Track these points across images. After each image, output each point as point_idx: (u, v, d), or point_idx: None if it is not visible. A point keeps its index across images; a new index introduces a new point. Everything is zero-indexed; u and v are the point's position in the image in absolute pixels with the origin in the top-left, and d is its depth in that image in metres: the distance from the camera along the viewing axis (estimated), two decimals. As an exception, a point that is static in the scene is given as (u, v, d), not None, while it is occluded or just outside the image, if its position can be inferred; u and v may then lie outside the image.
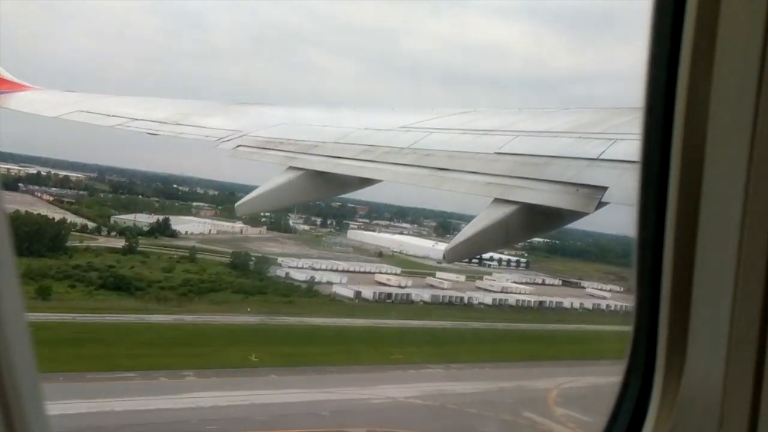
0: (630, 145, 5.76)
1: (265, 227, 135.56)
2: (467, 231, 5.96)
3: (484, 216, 5.92)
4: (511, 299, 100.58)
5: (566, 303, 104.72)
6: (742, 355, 2.22)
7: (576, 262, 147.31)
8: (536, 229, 6.23)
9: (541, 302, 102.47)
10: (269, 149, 8.59)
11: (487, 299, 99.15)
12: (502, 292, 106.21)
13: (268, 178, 8.02)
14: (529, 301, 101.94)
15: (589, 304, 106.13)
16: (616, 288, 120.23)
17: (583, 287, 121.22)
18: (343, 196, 9.02)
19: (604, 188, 5.31)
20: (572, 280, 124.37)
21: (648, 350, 2.57)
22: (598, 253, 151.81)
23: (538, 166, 6.16)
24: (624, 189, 5.19)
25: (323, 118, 9.89)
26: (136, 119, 10.49)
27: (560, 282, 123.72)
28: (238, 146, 8.86)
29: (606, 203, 5.26)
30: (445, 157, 7.07)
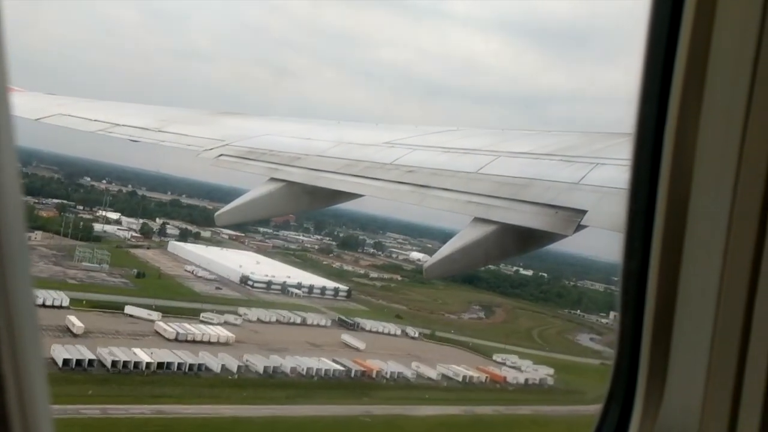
0: (611, 170, 5.81)
1: (41, 232, 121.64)
2: (447, 248, 5.96)
3: (464, 234, 5.94)
4: (119, 358, 73.58)
5: (215, 364, 78.80)
6: (720, 385, 2.24)
7: (459, 290, 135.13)
8: (515, 249, 6.25)
9: (165, 365, 74.39)
10: (251, 159, 8.55)
11: (62, 357, 70.05)
12: (173, 340, 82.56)
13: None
14: (142, 364, 73.18)
15: (265, 365, 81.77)
16: (411, 333, 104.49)
17: (361, 329, 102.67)
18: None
19: (584, 211, 5.34)
20: (358, 320, 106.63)
21: (629, 378, 2.58)
22: (493, 281, 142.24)
23: (519, 186, 6.18)
24: (603, 213, 5.23)
25: (306, 131, 9.88)
26: (118, 125, 10.42)
27: (330, 322, 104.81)
28: (221, 155, 8.82)
29: (585, 226, 5.29)
30: (428, 175, 7.09)
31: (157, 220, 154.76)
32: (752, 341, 2.15)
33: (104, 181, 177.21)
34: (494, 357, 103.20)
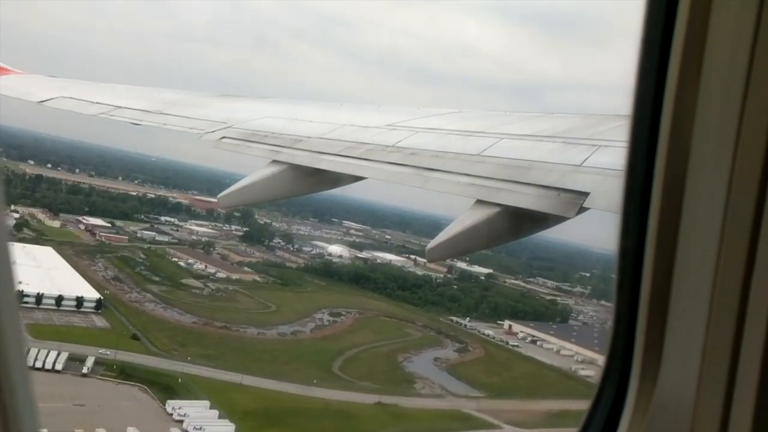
0: (614, 152, 5.80)
1: None
2: (449, 231, 5.97)
3: (467, 216, 5.94)
4: None
5: None
6: (716, 364, 2.26)
7: (331, 292, 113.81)
8: (518, 231, 6.26)
9: None
10: (253, 142, 8.55)
11: None
12: None
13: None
14: None
15: None
16: (85, 367, 77.35)
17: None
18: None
19: (586, 194, 5.35)
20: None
21: (625, 355, 2.60)
22: (383, 281, 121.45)
23: (521, 169, 6.18)
24: (606, 195, 5.23)
25: (309, 113, 9.87)
26: (120, 107, 10.40)
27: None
28: (223, 138, 8.82)
29: (587, 209, 5.30)
30: (430, 157, 7.08)
31: (13, 206, 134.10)
32: (748, 320, 2.16)
33: (47, 165, 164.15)
34: (167, 405, 76.65)
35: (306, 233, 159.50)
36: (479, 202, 6.01)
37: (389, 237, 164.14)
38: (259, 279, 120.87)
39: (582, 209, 5.32)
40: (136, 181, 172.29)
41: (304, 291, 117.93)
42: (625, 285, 2.53)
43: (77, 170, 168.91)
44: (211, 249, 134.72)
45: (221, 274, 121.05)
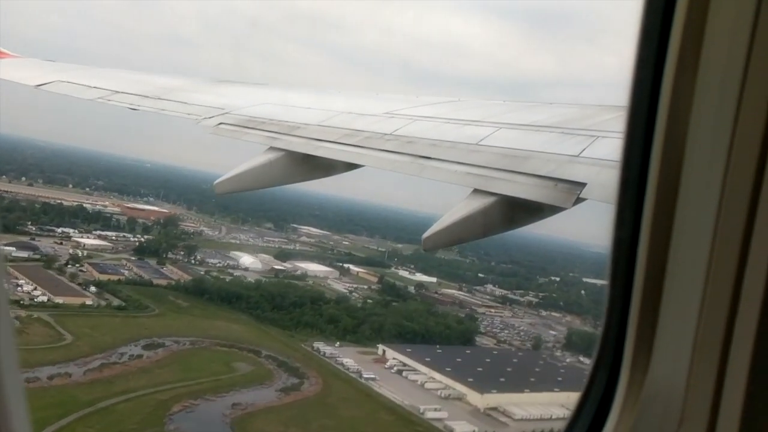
0: (612, 143, 5.80)
1: None
2: (445, 220, 5.96)
3: (463, 206, 5.93)
4: None
5: None
6: (706, 357, 2.27)
7: (184, 316, 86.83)
8: (514, 221, 6.25)
9: None
10: (251, 128, 8.52)
11: None
12: None
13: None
14: None
15: None
16: None
17: None
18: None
19: (583, 184, 5.34)
20: None
21: (616, 346, 2.61)
22: (256, 300, 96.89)
23: (519, 159, 6.17)
24: (603, 186, 5.22)
25: (307, 100, 9.84)
26: (118, 92, 10.35)
27: None
28: (220, 124, 8.79)
29: (584, 199, 5.29)
30: (427, 146, 7.06)
31: None
32: (740, 313, 2.17)
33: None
34: None
35: (238, 242, 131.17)
36: (476, 191, 6.00)
37: (347, 243, 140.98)
38: (90, 302, 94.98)
39: (579, 200, 5.32)
40: (87, 189, 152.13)
41: (144, 315, 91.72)
42: (618, 276, 2.54)
43: (23, 178, 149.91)
44: (74, 265, 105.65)
45: (43, 297, 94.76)
